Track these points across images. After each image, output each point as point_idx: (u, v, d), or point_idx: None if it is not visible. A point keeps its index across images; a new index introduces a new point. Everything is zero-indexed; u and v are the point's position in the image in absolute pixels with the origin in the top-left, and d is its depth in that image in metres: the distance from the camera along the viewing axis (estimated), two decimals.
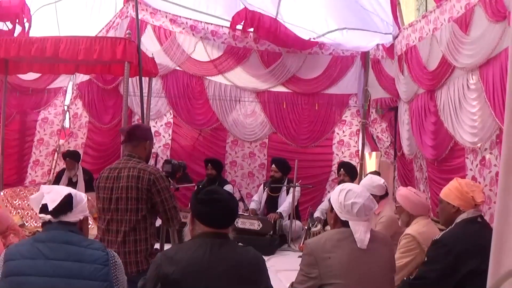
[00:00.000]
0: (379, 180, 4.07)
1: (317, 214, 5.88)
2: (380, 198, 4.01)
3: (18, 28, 6.42)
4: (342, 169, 5.86)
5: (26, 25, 6.43)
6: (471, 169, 4.19)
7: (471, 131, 4.10)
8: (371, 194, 3.79)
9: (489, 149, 3.90)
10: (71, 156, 6.62)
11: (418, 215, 3.20)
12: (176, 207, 3.08)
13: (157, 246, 3.91)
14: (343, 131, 7.54)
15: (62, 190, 2.17)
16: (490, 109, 3.76)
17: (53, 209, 2.09)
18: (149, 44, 7.29)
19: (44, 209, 2.11)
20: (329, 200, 2.57)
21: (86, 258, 2.04)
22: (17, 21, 6.28)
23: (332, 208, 2.49)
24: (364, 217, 2.39)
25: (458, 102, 4.33)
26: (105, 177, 3.09)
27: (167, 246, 3.66)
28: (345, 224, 2.41)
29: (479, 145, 4.01)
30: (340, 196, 2.44)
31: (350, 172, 5.80)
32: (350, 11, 6.43)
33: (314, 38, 7.16)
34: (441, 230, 2.89)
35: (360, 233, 2.35)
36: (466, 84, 4.20)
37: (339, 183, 5.08)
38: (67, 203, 2.12)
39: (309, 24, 6.96)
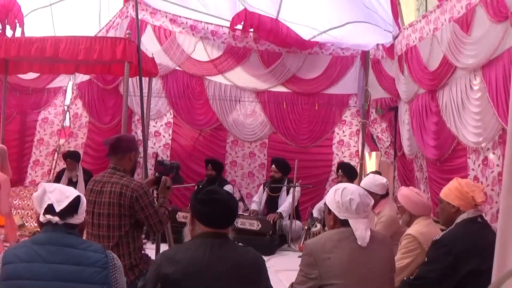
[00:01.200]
0: (382, 179, 4.09)
1: (315, 214, 5.87)
2: (380, 197, 4.01)
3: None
4: (340, 170, 5.86)
5: (18, 25, 6.38)
6: (473, 169, 4.18)
7: (475, 131, 4.09)
8: (373, 192, 3.85)
9: (491, 149, 3.90)
10: (72, 157, 6.60)
11: (420, 215, 3.19)
12: (162, 220, 3.08)
13: (153, 247, 3.94)
14: (343, 131, 7.53)
15: (65, 190, 2.15)
16: (493, 109, 3.75)
17: (60, 210, 2.07)
18: (149, 44, 7.29)
19: (50, 210, 2.07)
20: (324, 204, 2.56)
21: (85, 261, 2.02)
22: (6, 21, 6.23)
23: (329, 211, 2.47)
24: (362, 214, 2.40)
25: (461, 103, 4.32)
26: (90, 189, 3.10)
27: (163, 247, 3.68)
28: (344, 224, 2.40)
29: (482, 145, 4.00)
30: (336, 195, 2.43)
31: (348, 173, 5.78)
32: (353, 5, 6.40)
33: (316, 36, 7.14)
34: (442, 230, 2.88)
35: (361, 230, 2.35)
36: (469, 84, 4.19)
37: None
38: (74, 206, 2.11)
39: (311, 22, 6.92)
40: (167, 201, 3.31)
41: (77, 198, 2.12)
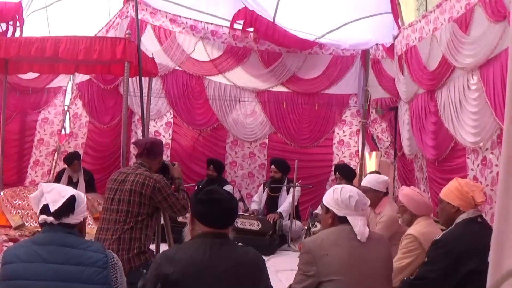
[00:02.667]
0: (384, 176, 4.15)
1: (318, 211, 5.86)
2: (383, 195, 4.03)
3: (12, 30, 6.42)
4: (337, 173, 5.87)
5: (18, 29, 6.41)
6: (472, 169, 4.18)
7: (472, 131, 4.09)
8: (377, 190, 3.88)
9: (490, 149, 3.90)
10: (77, 158, 6.60)
11: (421, 215, 3.19)
12: (185, 205, 3.29)
13: (153, 247, 3.96)
14: (343, 131, 7.53)
15: (63, 190, 2.14)
16: (491, 109, 3.76)
17: (55, 210, 2.06)
18: (149, 44, 7.29)
19: (45, 210, 2.07)
20: (321, 204, 2.58)
21: (85, 261, 2.02)
22: (10, 23, 6.27)
23: (327, 210, 2.49)
24: (360, 212, 2.43)
25: (458, 102, 4.33)
26: (113, 179, 3.28)
27: (163, 247, 3.69)
28: (342, 222, 2.42)
29: (480, 144, 4.00)
30: (335, 194, 2.47)
31: (345, 174, 5.79)
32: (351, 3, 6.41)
33: (313, 40, 7.16)
34: (442, 230, 2.89)
35: (360, 226, 2.38)
36: (466, 84, 4.20)
37: None
38: (70, 205, 2.09)
39: (308, 27, 6.94)
40: (183, 183, 3.56)
41: (72, 198, 2.10)
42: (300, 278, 2.37)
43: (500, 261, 1.19)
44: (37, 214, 2.11)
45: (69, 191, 2.15)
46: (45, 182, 7.12)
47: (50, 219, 2.06)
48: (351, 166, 6.64)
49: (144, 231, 3.14)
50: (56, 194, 2.10)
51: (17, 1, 6.34)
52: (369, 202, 2.54)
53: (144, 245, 3.12)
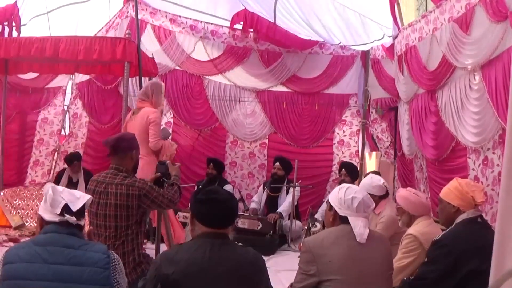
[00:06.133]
0: (379, 181, 4.04)
1: (318, 216, 5.87)
2: (380, 198, 4.00)
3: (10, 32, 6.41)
4: (343, 169, 5.85)
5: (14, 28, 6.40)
6: (473, 169, 4.17)
7: (474, 131, 4.09)
8: (370, 194, 3.84)
9: (491, 149, 3.89)
10: (77, 159, 6.59)
11: (419, 215, 3.19)
12: (172, 199, 3.22)
13: (153, 247, 3.95)
14: (343, 131, 7.52)
15: (73, 191, 2.17)
16: (493, 109, 3.75)
17: (77, 211, 2.09)
18: (149, 44, 7.27)
19: (67, 210, 2.07)
20: (326, 201, 2.60)
21: (86, 261, 2.03)
22: (6, 23, 6.26)
23: (330, 207, 2.51)
24: (362, 213, 2.44)
25: (460, 102, 4.32)
26: (92, 190, 3.11)
27: (163, 247, 3.69)
28: (344, 221, 2.44)
29: (482, 144, 4.00)
30: (339, 192, 2.48)
31: (352, 173, 5.78)
32: (343, 24, 6.48)
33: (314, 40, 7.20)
34: (443, 230, 2.89)
35: (360, 227, 2.39)
36: (468, 84, 4.19)
37: (339, 183, 5.07)
38: (84, 206, 2.14)
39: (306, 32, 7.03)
40: (178, 178, 3.47)
41: (89, 199, 2.16)
42: (301, 277, 2.37)
43: (502, 262, 1.19)
44: (55, 213, 2.08)
45: (78, 193, 2.17)
46: (45, 182, 7.16)
47: (73, 219, 2.07)
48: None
49: (136, 240, 3.05)
50: (68, 194, 2.12)
51: (12, 2, 6.34)
52: (373, 205, 2.55)
53: (138, 255, 3.04)
